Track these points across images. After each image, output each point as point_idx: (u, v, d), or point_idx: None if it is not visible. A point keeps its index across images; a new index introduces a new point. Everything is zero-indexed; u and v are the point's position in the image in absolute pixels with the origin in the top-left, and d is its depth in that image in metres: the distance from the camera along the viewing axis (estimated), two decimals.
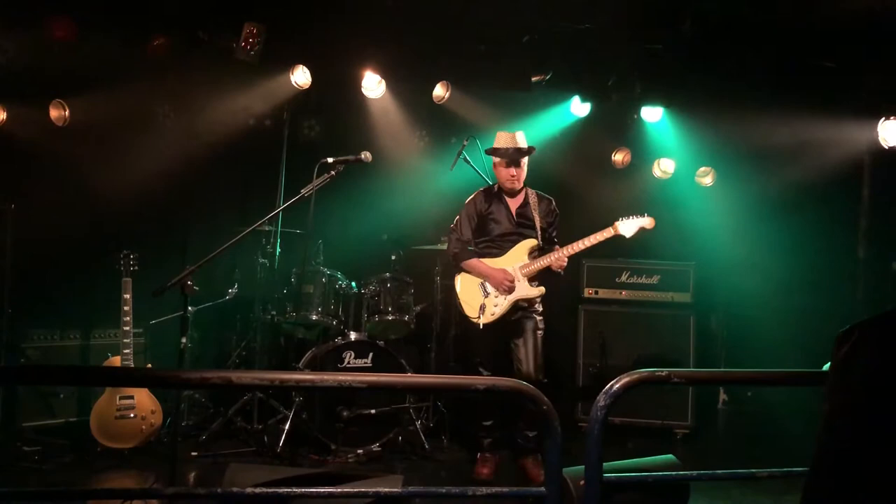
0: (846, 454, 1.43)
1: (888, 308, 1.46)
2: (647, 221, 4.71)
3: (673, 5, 5.54)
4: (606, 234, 4.68)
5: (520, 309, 4.82)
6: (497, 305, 4.74)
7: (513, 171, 4.78)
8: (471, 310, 4.81)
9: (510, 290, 4.72)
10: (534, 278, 4.79)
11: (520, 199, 4.93)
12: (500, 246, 4.86)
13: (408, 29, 5.79)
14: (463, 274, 4.91)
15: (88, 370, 3.74)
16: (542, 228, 4.85)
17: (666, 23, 5.66)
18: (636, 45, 5.98)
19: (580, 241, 4.68)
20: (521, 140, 4.83)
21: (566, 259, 4.68)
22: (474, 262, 4.83)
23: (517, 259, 4.79)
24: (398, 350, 5.41)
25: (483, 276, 4.79)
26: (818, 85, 5.88)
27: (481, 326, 4.74)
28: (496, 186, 4.97)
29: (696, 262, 6.17)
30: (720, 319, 7.05)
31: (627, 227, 4.68)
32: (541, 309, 4.91)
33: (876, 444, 1.39)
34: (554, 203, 4.99)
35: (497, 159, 4.85)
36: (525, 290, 4.75)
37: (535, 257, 4.80)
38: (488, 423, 4.90)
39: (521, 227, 4.86)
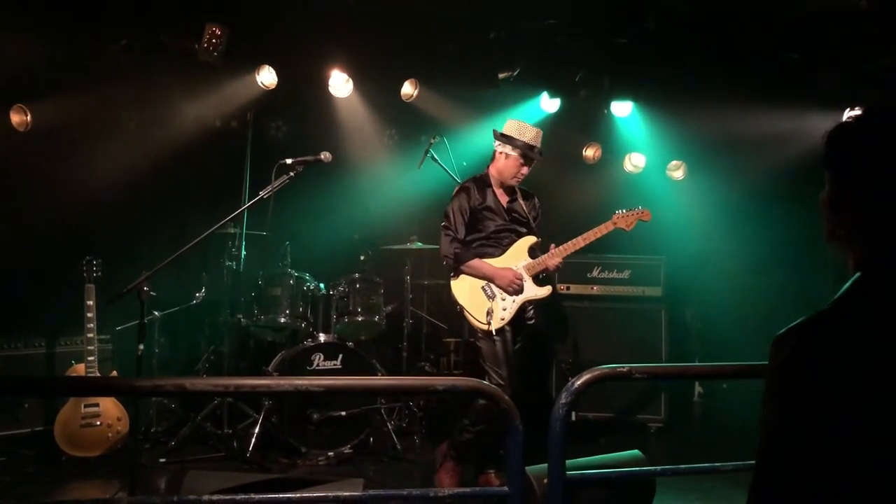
0: (781, 461, 1.44)
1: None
2: (643, 213, 4.49)
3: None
4: (606, 228, 4.41)
5: (525, 312, 4.43)
6: (506, 309, 4.31)
7: (526, 169, 4.40)
8: (478, 317, 4.29)
9: (519, 290, 4.33)
10: (536, 277, 4.42)
11: (509, 192, 4.54)
12: (495, 244, 4.45)
13: (374, 27, 5.75)
14: (459, 278, 4.41)
15: (35, 381, 3.62)
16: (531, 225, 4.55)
17: (631, 17, 5.66)
18: (602, 40, 5.97)
19: (577, 239, 4.38)
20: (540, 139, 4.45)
21: (561, 259, 4.36)
22: (477, 262, 4.36)
23: (519, 257, 4.42)
24: (369, 351, 5.37)
25: (487, 277, 4.34)
26: (784, 77, 5.92)
27: (494, 334, 4.24)
28: (487, 176, 4.50)
29: (667, 256, 6.17)
30: (694, 313, 7.07)
31: (626, 219, 4.45)
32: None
33: (809, 451, 1.39)
34: (537, 199, 4.66)
35: (515, 152, 4.34)
36: (533, 290, 4.37)
37: (534, 256, 4.45)
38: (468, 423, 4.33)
39: (513, 222, 4.48)
